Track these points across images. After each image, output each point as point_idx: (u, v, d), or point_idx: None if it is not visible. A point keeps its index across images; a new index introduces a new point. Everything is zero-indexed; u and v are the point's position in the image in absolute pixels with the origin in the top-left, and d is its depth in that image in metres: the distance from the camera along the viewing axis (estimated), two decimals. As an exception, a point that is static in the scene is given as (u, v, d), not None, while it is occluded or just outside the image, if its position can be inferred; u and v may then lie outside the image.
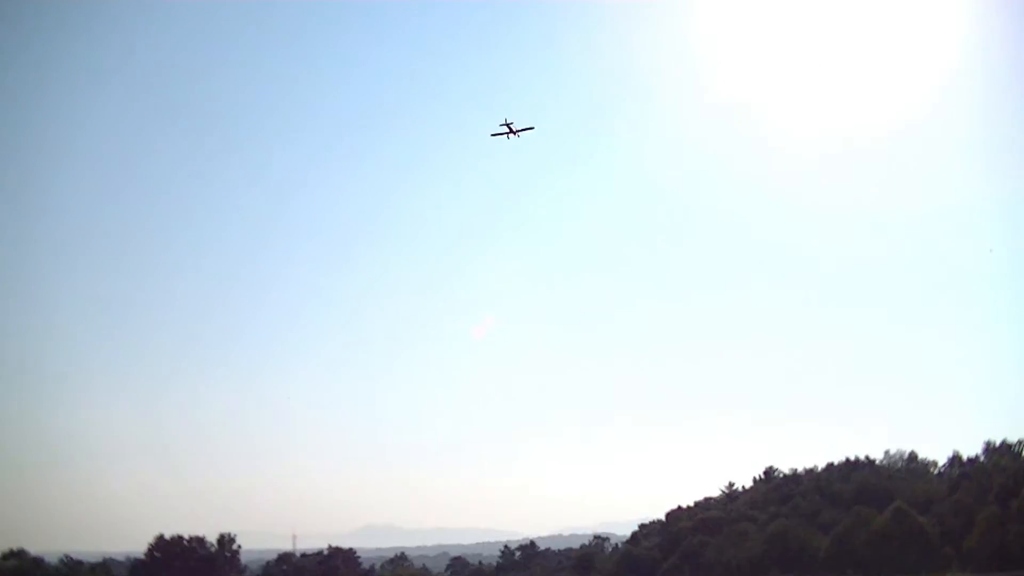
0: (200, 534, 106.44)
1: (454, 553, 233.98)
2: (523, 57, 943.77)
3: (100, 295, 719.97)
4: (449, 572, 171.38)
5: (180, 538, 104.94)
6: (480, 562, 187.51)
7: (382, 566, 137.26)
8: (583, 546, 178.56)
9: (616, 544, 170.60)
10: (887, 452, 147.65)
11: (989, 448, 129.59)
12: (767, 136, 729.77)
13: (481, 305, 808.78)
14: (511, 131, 75.11)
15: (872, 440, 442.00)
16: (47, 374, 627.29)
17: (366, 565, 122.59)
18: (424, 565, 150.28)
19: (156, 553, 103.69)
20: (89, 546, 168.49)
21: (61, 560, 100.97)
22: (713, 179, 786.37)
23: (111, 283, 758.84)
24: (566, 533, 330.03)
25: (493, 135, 78.10)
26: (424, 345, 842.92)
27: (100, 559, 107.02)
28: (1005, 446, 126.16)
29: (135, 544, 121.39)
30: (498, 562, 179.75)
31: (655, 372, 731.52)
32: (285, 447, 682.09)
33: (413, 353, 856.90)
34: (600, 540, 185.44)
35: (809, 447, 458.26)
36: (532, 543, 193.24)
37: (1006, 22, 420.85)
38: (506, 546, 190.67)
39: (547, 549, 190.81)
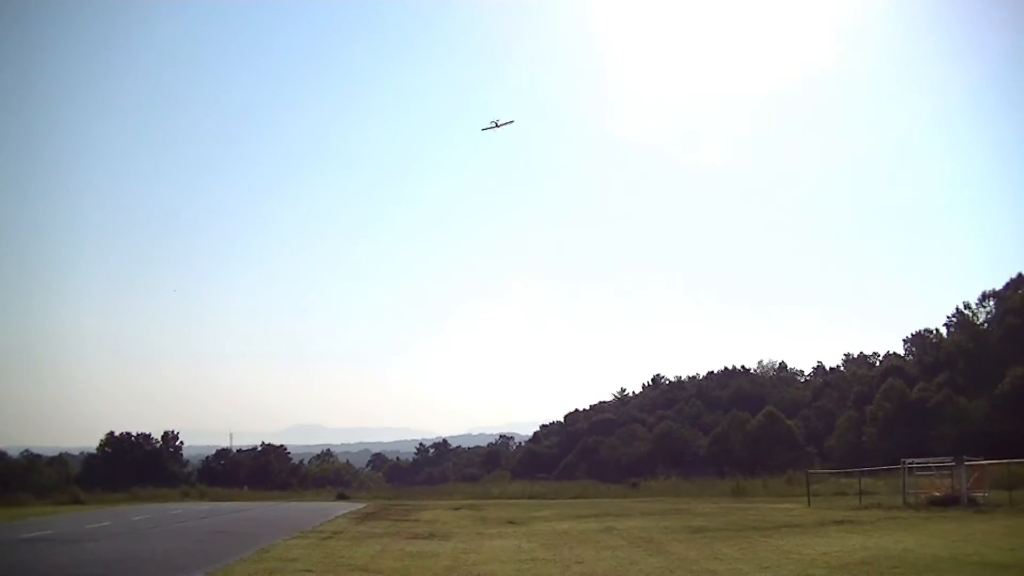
0: (146, 431, 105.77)
1: (374, 450, 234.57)
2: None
3: (48, 204, 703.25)
4: (370, 467, 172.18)
5: (128, 435, 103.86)
6: (397, 458, 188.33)
7: (310, 461, 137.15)
8: (490, 444, 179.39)
9: (520, 443, 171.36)
10: (760, 362, 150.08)
11: (848, 359, 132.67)
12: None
13: (402, 217, 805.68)
14: (496, 125, 76.18)
15: (747, 351, 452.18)
16: (3, 276, 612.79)
17: (295, 460, 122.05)
18: (348, 460, 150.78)
19: (107, 448, 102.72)
20: (46, 441, 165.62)
21: (22, 454, 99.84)
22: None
23: (63, 188, 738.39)
24: (475, 432, 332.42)
25: (484, 129, 79.42)
26: (347, 255, 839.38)
27: (57, 453, 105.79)
28: (862, 357, 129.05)
29: (88, 440, 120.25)
30: (414, 458, 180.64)
31: (553, 289, 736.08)
32: (223, 352, 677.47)
33: (338, 264, 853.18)
34: (505, 439, 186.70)
35: (692, 357, 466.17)
36: (444, 441, 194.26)
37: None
38: (421, 444, 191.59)
39: (458, 447, 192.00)
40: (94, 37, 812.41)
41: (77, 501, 61.63)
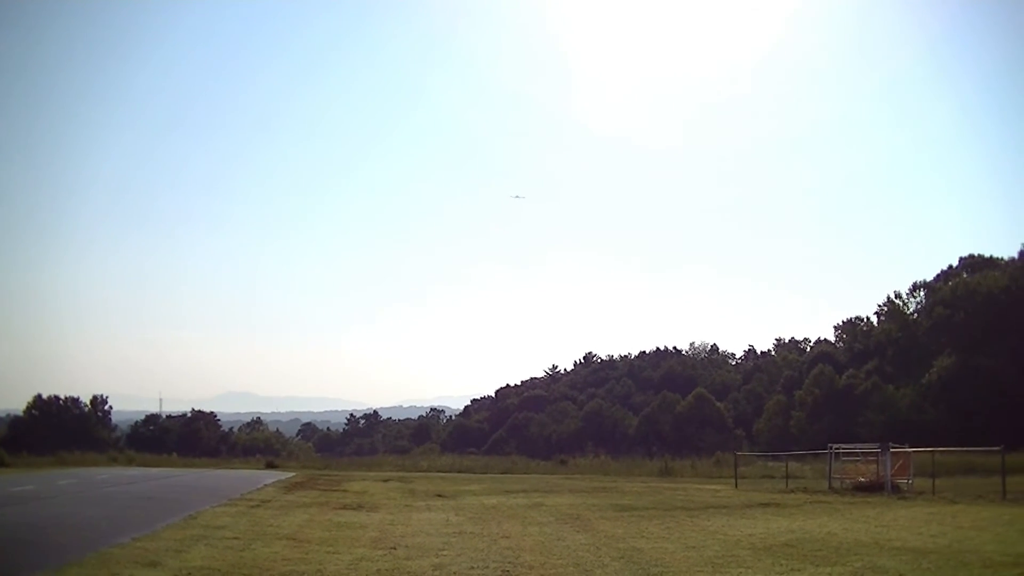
0: (75, 395, 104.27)
1: (305, 420, 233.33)
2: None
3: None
4: (300, 436, 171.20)
5: (56, 398, 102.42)
6: (328, 428, 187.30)
7: (240, 429, 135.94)
8: (421, 417, 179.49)
9: (450, 416, 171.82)
10: (692, 344, 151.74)
11: (779, 344, 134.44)
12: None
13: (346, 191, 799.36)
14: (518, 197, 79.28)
15: (679, 333, 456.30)
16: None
17: (225, 428, 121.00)
18: (278, 429, 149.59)
19: (34, 411, 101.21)
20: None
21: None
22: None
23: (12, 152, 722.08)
24: (405, 405, 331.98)
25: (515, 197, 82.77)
26: (290, 226, 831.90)
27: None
28: (793, 342, 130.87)
29: (14, 402, 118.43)
30: (344, 429, 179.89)
31: (488, 265, 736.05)
32: (155, 315, 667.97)
33: (279, 235, 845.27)
34: (436, 412, 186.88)
35: (624, 336, 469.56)
36: (375, 412, 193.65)
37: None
38: (351, 414, 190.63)
39: (388, 419, 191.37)
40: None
41: (2, 464, 60.56)
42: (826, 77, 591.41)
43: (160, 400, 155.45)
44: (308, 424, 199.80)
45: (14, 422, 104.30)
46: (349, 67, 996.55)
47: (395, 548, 18.12)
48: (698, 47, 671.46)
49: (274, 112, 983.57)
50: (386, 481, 47.50)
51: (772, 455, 58.26)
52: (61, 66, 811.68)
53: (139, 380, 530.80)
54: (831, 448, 41.72)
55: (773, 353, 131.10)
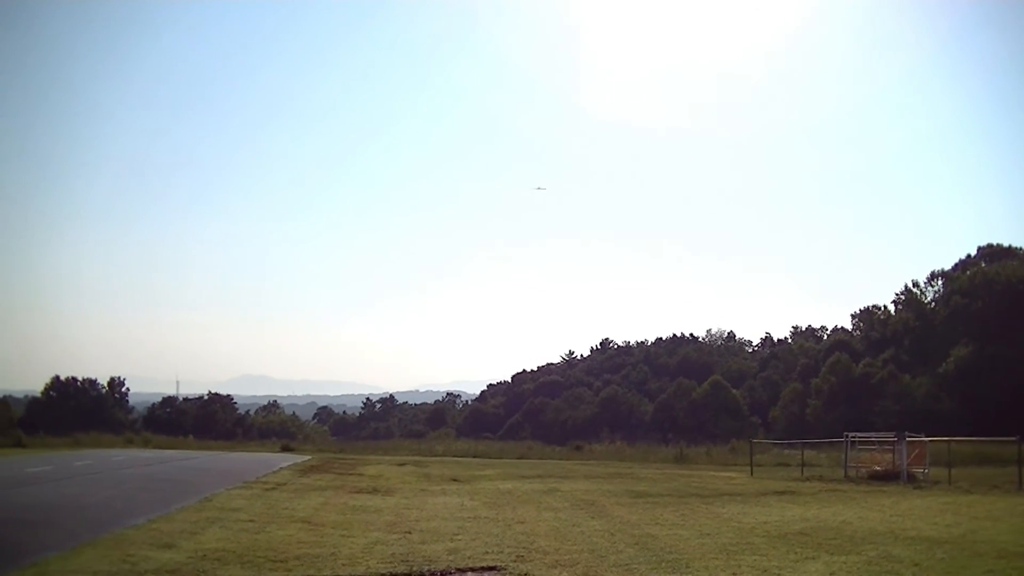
0: (92, 377, 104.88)
1: (321, 403, 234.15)
2: None
3: (16, 145, 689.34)
4: (315, 420, 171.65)
5: (74, 379, 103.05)
6: (344, 412, 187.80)
7: (256, 412, 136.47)
8: (437, 402, 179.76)
9: (466, 401, 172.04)
10: (709, 331, 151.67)
11: (796, 332, 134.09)
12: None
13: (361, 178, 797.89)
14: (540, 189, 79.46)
15: (696, 320, 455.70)
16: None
17: (241, 411, 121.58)
18: (294, 412, 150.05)
19: (52, 392, 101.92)
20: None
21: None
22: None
23: (31, 129, 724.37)
24: (422, 389, 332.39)
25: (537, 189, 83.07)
26: (307, 211, 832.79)
27: (0, 396, 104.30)
28: (810, 330, 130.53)
29: (33, 383, 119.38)
30: (360, 413, 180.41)
31: (505, 251, 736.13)
32: (173, 299, 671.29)
33: (297, 220, 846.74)
34: (452, 397, 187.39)
35: (641, 323, 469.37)
36: (391, 397, 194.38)
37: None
38: (368, 398, 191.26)
39: (404, 403, 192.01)
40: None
41: (19, 444, 60.93)
42: (844, 67, 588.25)
43: (177, 383, 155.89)
44: (324, 408, 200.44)
45: (32, 403, 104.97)
46: (361, 56, 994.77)
47: (410, 532, 18.15)
48: (718, 35, 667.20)
49: (288, 97, 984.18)
50: (401, 465, 47.57)
51: (787, 443, 58.12)
52: (74, 48, 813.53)
53: (156, 363, 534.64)
54: (847, 436, 41.57)
55: (790, 341, 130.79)
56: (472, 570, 13.66)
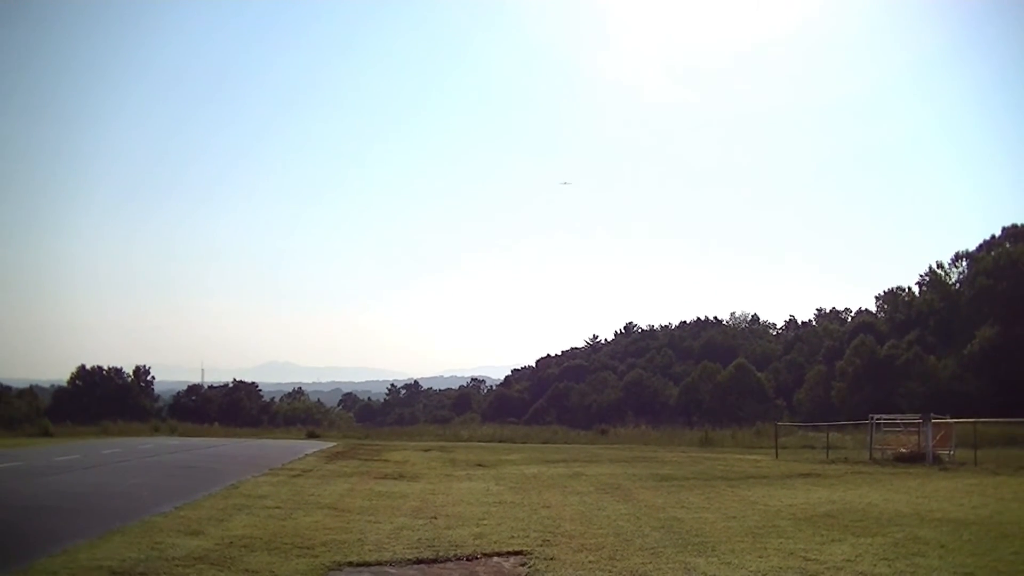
0: (118, 365, 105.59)
1: (346, 390, 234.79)
2: None
3: (36, 135, 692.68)
4: (340, 406, 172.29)
5: (100, 368, 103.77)
6: (369, 398, 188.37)
7: (281, 399, 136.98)
8: (461, 387, 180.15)
9: (491, 386, 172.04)
10: (733, 314, 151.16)
11: (820, 314, 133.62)
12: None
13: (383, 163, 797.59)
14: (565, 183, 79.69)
15: (720, 303, 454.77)
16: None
17: (266, 398, 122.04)
18: (319, 399, 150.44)
19: (78, 381, 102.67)
20: (17, 373, 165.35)
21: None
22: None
23: (51, 119, 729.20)
24: (446, 375, 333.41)
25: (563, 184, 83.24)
26: (329, 198, 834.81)
27: (27, 385, 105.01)
28: (834, 312, 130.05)
29: (59, 373, 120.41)
30: (385, 398, 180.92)
31: (529, 235, 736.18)
32: (198, 287, 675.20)
33: (319, 206, 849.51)
34: (477, 382, 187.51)
35: (665, 306, 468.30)
36: (416, 382, 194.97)
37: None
38: (392, 384, 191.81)
39: (429, 388, 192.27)
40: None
41: (46, 434, 61.34)
42: (867, 48, 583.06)
43: (202, 370, 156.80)
44: (349, 394, 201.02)
45: (58, 392, 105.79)
46: (386, 40, 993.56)
47: (436, 517, 18.18)
48: (744, 19, 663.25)
49: (309, 84, 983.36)
50: (427, 451, 47.66)
51: (813, 425, 57.90)
52: (97, 42, 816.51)
53: (181, 351, 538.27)
54: (872, 419, 41.40)
55: (814, 323, 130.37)
56: (498, 555, 13.68)
